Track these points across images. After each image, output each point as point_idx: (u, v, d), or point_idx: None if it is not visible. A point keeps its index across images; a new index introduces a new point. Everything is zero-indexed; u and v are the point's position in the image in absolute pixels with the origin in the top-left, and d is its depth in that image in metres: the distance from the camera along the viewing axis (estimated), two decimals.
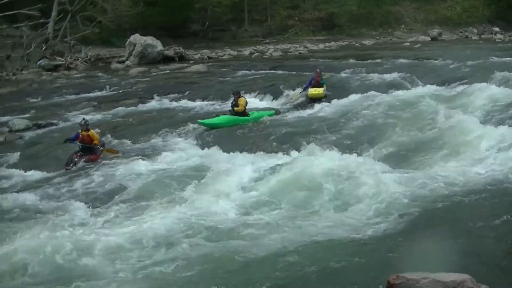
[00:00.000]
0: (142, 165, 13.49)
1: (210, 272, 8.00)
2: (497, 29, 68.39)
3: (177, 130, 17.30)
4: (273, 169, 12.57)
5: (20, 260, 8.26)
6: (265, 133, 16.63)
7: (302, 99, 21.64)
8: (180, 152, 14.71)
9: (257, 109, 19.72)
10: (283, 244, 8.75)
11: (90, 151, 14.95)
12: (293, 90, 22.83)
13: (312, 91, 21.26)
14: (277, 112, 19.83)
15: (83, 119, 15.61)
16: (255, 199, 10.98)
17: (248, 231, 9.29)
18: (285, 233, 9.15)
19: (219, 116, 17.72)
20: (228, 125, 17.28)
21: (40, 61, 38.36)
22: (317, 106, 20.35)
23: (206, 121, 17.32)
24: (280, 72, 30.75)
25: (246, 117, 17.95)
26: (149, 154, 14.70)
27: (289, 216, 9.94)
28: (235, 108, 17.92)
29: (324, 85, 21.60)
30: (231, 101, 18.46)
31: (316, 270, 7.82)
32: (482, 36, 65.44)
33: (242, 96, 18.27)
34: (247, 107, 18.36)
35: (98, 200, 11.53)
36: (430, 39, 60.77)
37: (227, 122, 17.40)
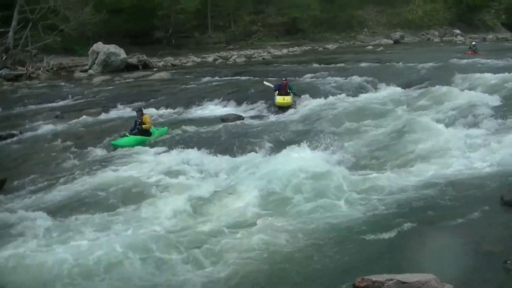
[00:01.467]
0: (109, 175, 13.27)
1: (179, 280, 7.93)
2: (457, 31, 70.02)
3: None
4: (242, 173, 12.57)
5: None
6: (232, 138, 16.58)
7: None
8: (147, 161, 14.55)
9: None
10: (246, 247, 8.71)
11: None
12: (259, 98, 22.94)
13: (281, 99, 21.21)
14: (242, 118, 19.75)
15: None
16: (222, 203, 10.93)
17: (217, 235, 9.22)
18: (249, 236, 9.10)
19: (127, 136, 17.00)
20: (136, 145, 16.60)
21: (1, 71, 37.59)
22: (282, 112, 20.47)
23: (117, 142, 16.76)
24: (244, 78, 30.80)
25: (150, 137, 17.43)
26: (116, 163, 14.48)
27: (252, 220, 9.89)
28: (143, 126, 17.33)
29: (291, 92, 21.56)
30: (136, 119, 17.60)
31: (281, 273, 7.82)
32: (443, 38, 66.85)
33: (145, 113, 17.89)
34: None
35: (58, 212, 11.24)
36: (392, 42, 61.89)
37: (136, 143, 16.74)
